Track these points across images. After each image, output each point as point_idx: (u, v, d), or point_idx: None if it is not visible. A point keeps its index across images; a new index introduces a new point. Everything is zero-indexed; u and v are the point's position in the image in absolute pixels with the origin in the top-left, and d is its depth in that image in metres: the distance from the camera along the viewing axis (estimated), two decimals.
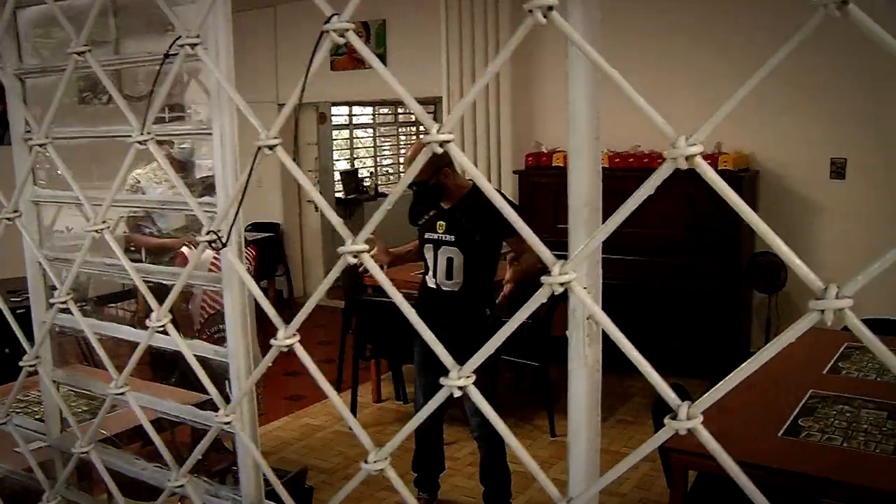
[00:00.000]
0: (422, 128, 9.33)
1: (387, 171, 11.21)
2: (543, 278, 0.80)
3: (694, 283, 5.43)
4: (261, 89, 8.09)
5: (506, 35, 6.42)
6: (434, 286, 3.68)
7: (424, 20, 6.84)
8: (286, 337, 1.07)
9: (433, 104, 8.53)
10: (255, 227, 7.97)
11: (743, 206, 0.72)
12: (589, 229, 0.98)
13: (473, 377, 0.82)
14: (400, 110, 11.46)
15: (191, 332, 3.87)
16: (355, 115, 10.76)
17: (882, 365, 3.27)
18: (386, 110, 11.33)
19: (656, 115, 0.73)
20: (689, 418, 0.69)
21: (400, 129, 11.51)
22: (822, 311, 0.68)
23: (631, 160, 5.76)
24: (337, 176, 9.72)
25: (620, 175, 5.77)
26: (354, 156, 10.82)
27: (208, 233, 1.10)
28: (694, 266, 5.48)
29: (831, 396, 2.82)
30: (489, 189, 0.80)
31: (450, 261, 3.64)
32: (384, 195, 10.14)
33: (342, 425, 4.94)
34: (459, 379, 0.81)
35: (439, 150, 0.87)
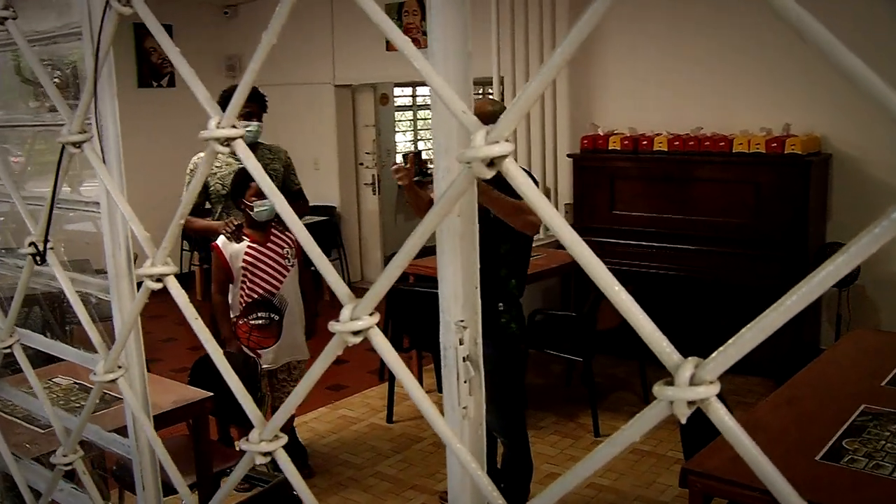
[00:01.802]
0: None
1: None
2: (331, 325, 0.59)
3: (757, 275, 5.06)
4: (317, 70, 7.99)
5: (562, 15, 6.11)
6: None
7: None
8: (106, 371, 0.89)
9: (485, 85, 8.27)
10: (311, 210, 7.88)
11: (561, 226, 0.49)
12: (463, 245, 0.76)
13: (377, 317, 0.59)
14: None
15: (232, 320, 3.81)
16: (420, 94, 10.56)
17: None
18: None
19: (457, 102, 0.50)
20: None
21: None
22: (672, 402, 0.45)
23: (692, 143, 5.40)
24: (399, 158, 9.57)
25: (680, 159, 5.42)
26: (419, 137, 10.64)
27: (30, 244, 0.92)
28: (757, 256, 5.11)
29: (886, 413, 2.49)
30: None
31: None
32: None
33: (378, 418, 4.79)
34: (353, 321, 0.58)
35: (222, 150, 0.66)
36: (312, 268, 3.98)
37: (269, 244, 3.80)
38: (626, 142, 5.66)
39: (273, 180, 3.20)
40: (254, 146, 4.15)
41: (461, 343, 0.77)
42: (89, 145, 0.81)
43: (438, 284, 0.76)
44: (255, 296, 3.75)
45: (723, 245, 5.21)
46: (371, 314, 0.58)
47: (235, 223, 3.74)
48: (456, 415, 0.80)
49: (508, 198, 3.11)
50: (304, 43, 7.87)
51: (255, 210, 3.69)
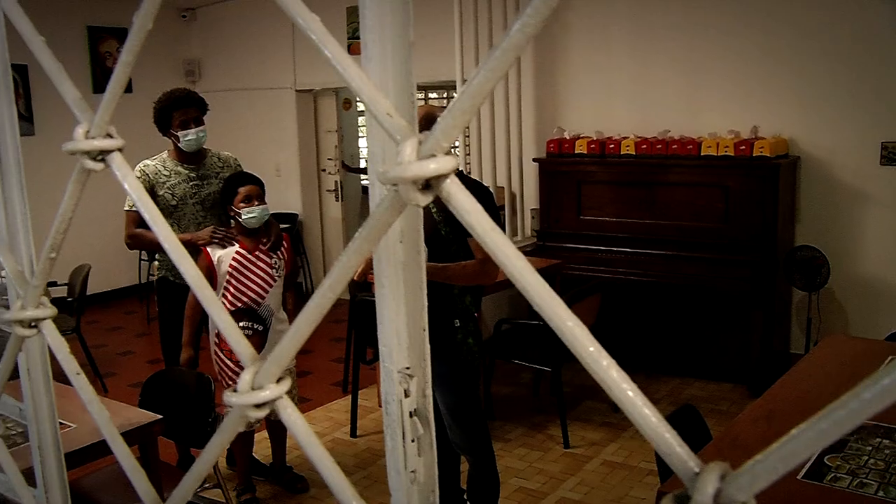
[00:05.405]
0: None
1: None
2: (227, 397, 0.45)
3: (727, 279, 4.99)
4: (278, 75, 7.81)
5: None
6: None
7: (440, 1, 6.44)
8: None
9: (448, 89, 8.15)
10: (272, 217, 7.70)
11: None
12: (408, 277, 0.62)
13: (287, 384, 0.45)
14: (433, 95, 11.05)
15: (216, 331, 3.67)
16: None
17: None
18: (434, 95, 10.89)
19: (380, 102, 0.37)
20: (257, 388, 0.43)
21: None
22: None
23: (659, 147, 5.32)
24: (363, 164, 9.41)
25: (648, 163, 5.34)
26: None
27: None
28: (727, 260, 5.03)
29: (868, 426, 2.39)
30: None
31: None
32: None
33: (342, 432, 4.64)
34: (255, 391, 0.44)
35: (93, 167, 0.52)
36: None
37: (257, 252, 3.66)
38: (593, 145, 5.57)
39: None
40: (201, 154, 3.95)
41: (406, 395, 0.64)
42: None
43: (377, 325, 0.63)
44: (240, 304, 3.61)
45: (692, 249, 5.14)
46: (279, 381, 0.44)
47: (222, 229, 3.63)
48: (403, 479, 0.67)
49: (465, 264, 2.99)
50: (265, 47, 7.70)
51: (244, 217, 3.57)
